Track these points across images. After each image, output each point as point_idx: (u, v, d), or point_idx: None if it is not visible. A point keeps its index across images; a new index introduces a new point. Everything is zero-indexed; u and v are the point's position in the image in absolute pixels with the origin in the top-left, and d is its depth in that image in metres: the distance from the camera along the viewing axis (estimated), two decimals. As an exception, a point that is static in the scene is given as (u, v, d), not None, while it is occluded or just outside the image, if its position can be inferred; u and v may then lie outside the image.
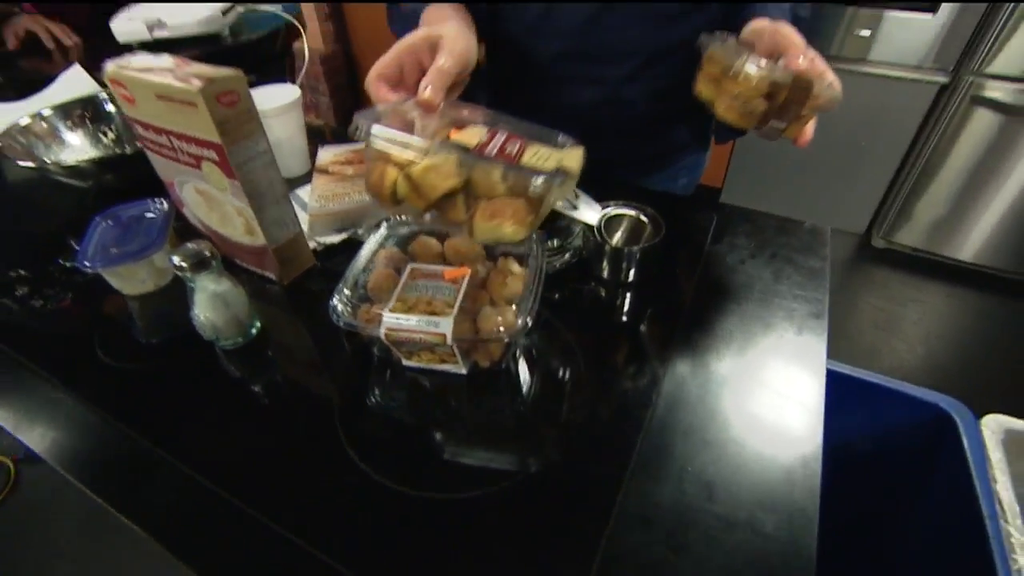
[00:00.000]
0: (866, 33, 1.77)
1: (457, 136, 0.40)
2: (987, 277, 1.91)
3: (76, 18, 1.33)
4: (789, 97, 0.47)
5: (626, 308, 0.54)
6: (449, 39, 0.45)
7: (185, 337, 0.51)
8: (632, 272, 0.54)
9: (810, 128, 0.52)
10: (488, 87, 0.77)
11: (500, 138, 0.40)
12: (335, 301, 0.43)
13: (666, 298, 0.54)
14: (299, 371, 0.51)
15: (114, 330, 0.56)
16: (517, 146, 0.40)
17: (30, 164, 0.71)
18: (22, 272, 0.61)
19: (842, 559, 0.76)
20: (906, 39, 1.74)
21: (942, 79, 1.74)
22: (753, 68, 0.45)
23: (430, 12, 0.56)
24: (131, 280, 0.57)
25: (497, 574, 0.34)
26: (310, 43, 2.71)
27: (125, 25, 1.12)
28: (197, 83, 0.42)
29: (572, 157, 0.41)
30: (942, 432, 0.63)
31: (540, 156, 0.39)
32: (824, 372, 0.46)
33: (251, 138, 0.47)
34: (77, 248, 0.64)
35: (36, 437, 0.47)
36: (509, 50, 0.68)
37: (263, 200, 0.50)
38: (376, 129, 0.38)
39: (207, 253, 0.46)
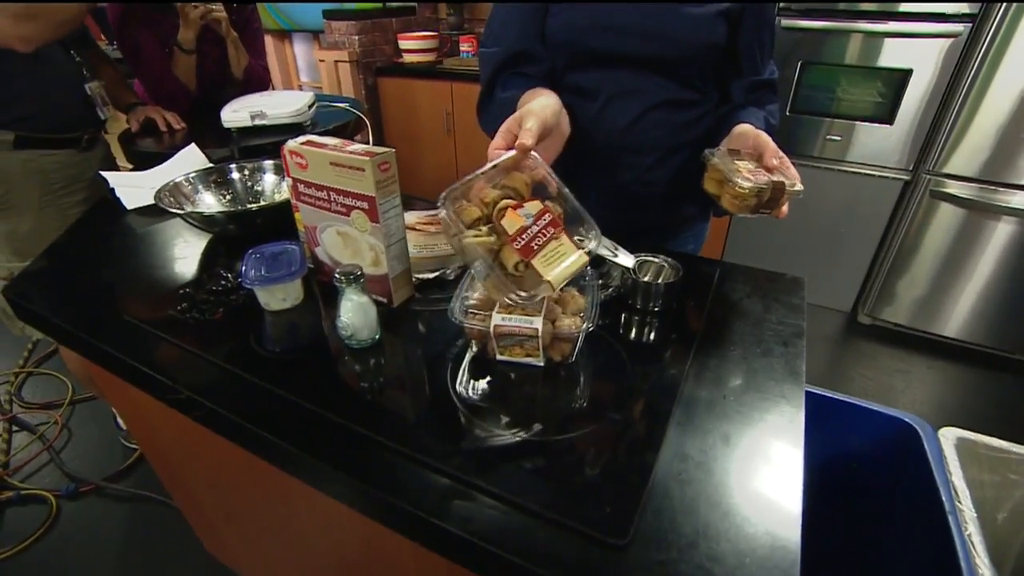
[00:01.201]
0: (838, 138, 2.07)
1: (509, 216, 0.58)
2: (967, 350, 2.09)
3: (181, 108, 1.60)
4: (771, 196, 0.68)
5: (656, 328, 0.71)
6: (534, 110, 0.66)
7: (307, 346, 0.68)
8: (659, 302, 0.72)
9: (785, 208, 0.73)
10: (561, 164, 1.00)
11: (539, 227, 0.58)
12: (454, 306, 0.60)
13: (685, 321, 0.71)
14: (412, 364, 0.67)
15: (255, 335, 0.73)
16: (544, 240, 0.58)
17: (178, 211, 0.91)
18: (187, 290, 0.79)
19: (823, 562, 0.87)
20: (872, 143, 2.03)
21: (904, 177, 2.02)
22: (745, 183, 0.68)
23: (526, 95, 0.78)
24: (275, 297, 0.75)
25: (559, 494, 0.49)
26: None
27: (231, 115, 1.38)
28: (367, 156, 0.63)
29: (576, 263, 0.59)
30: (908, 443, 0.78)
31: (557, 253, 0.58)
32: (803, 371, 0.63)
33: (392, 195, 0.67)
34: (225, 276, 0.83)
35: (203, 389, 0.62)
36: (577, 137, 0.91)
37: (391, 240, 0.69)
38: (445, 202, 0.58)
39: (359, 272, 0.64)
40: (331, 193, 0.69)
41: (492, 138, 0.89)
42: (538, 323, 0.57)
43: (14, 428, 1.87)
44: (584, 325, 0.59)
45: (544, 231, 0.59)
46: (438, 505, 0.48)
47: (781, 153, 0.75)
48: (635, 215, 0.95)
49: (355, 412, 0.59)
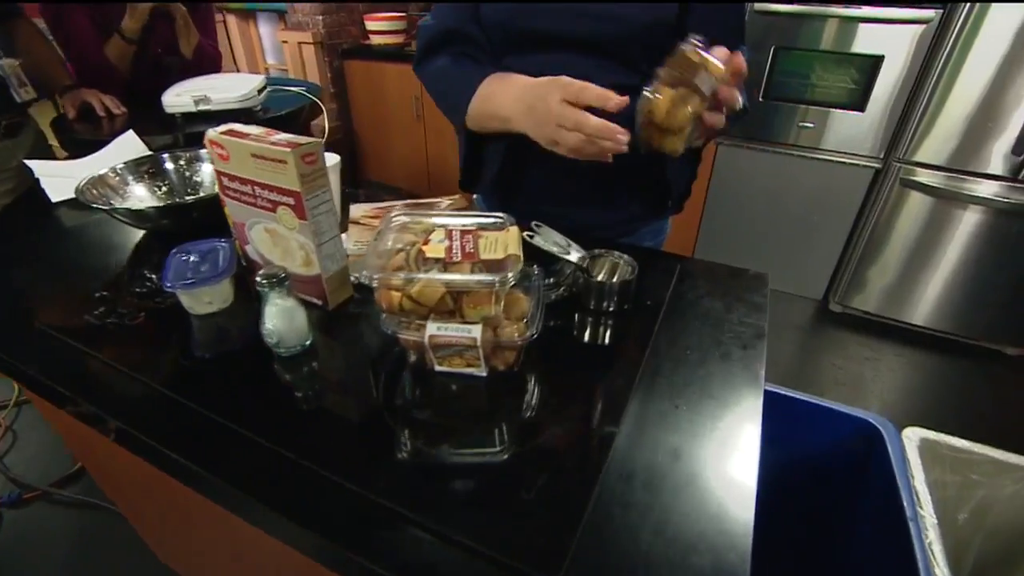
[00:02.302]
0: (811, 125, 2.05)
1: (428, 249, 0.54)
2: (935, 339, 2.10)
3: (119, 92, 1.50)
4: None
5: (608, 330, 0.67)
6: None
7: (238, 352, 0.62)
8: (613, 302, 0.67)
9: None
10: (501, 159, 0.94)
11: (458, 241, 0.56)
12: (386, 315, 0.55)
13: (640, 322, 0.67)
14: (344, 376, 0.62)
15: (183, 341, 0.67)
16: (472, 243, 0.55)
17: (103, 207, 0.83)
18: (104, 293, 0.72)
19: (782, 568, 0.86)
20: (844, 131, 2.02)
21: (876, 165, 2.01)
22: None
23: (491, 82, 0.74)
24: (200, 301, 0.69)
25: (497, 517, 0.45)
26: (316, 118, 2.95)
27: (174, 99, 1.29)
28: (288, 147, 0.57)
29: (512, 238, 0.56)
30: (871, 443, 0.75)
31: (491, 244, 0.55)
32: (763, 374, 0.60)
33: (320, 189, 0.61)
34: (149, 276, 0.77)
35: (118, 410, 0.56)
36: (504, 135, 0.86)
37: (323, 238, 0.64)
38: (377, 276, 0.53)
39: (282, 274, 0.59)
40: (255, 187, 0.63)
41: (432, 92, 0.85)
42: (477, 332, 0.53)
43: (-47, 433, 1.77)
44: (529, 332, 0.55)
45: (465, 239, 0.55)
46: (360, 535, 0.43)
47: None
48: (580, 212, 0.90)
49: (278, 430, 0.53)
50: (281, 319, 0.60)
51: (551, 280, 0.70)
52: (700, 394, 0.57)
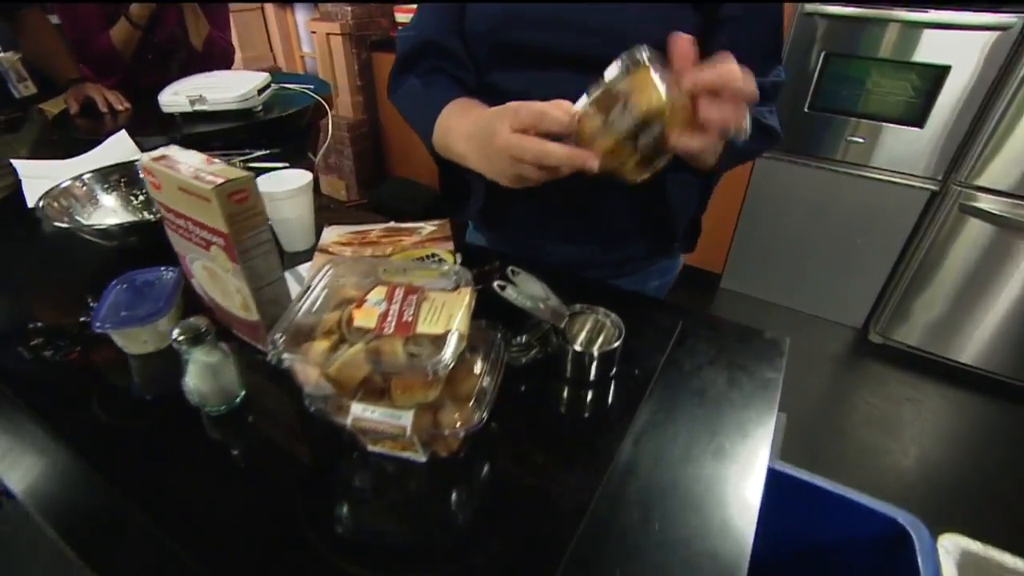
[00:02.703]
0: (861, 140, 1.87)
1: (359, 315, 0.46)
2: (986, 381, 1.91)
3: (121, 80, 1.47)
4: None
5: (584, 406, 0.57)
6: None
7: (177, 396, 0.55)
8: (593, 372, 0.58)
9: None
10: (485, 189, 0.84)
11: (397, 304, 0.47)
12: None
13: (622, 401, 0.57)
14: (273, 442, 0.55)
15: (114, 384, 0.61)
16: (413, 309, 0.46)
17: (65, 224, 0.78)
18: (39, 324, 0.66)
19: None
20: (899, 148, 1.83)
21: (932, 187, 1.82)
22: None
23: (452, 109, 0.65)
24: (135, 341, 0.62)
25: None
26: (341, 111, 2.91)
27: (170, 98, 1.24)
28: (212, 184, 0.49)
29: (461, 305, 0.47)
30: (898, 547, 0.64)
31: (435, 311, 0.46)
32: (762, 481, 0.49)
33: (255, 230, 0.53)
34: (93, 306, 0.71)
35: (17, 476, 0.50)
36: None
37: (260, 282, 0.56)
38: (287, 356, 0.44)
39: (203, 328, 0.51)
40: (188, 222, 0.56)
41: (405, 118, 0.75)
42: (407, 420, 0.44)
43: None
44: (476, 417, 0.46)
45: (407, 301, 0.46)
46: None
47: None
48: (575, 248, 0.80)
49: (181, 510, 0.46)
50: (203, 378, 0.52)
51: (522, 339, 0.60)
52: (680, 506, 0.47)
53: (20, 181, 1.00)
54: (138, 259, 0.78)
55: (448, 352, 0.42)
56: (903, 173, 1.86)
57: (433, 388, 0.44)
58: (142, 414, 0.58)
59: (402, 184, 2.97)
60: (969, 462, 1.64)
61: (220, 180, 0.50)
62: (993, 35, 1.58)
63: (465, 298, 0.47)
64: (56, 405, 0.58)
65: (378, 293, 0.48)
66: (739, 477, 0.49)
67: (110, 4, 1.39)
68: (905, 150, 1.82)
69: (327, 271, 0.52)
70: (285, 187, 0.76)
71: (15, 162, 1.03)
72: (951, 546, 0.62)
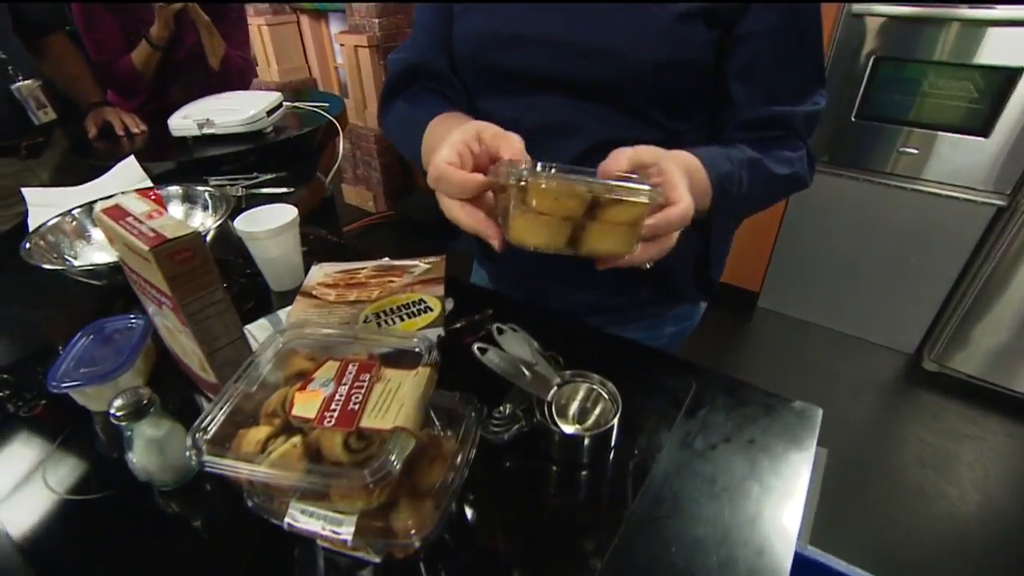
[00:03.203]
0: (914, 151, 1.71)
1: (299, 400, 0.40)
2: (1058, 418, 1.71)
3: (132, 98, 1.49)
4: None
5: (572, 495, 0.50)
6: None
7: (116, 468, 0.51)
8: (583, 455, 0.50)
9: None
10: None
11: (347, 385, 0.40)
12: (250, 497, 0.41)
13: (618, 486, 0.50)
14: (224, 522, 0.49)
15: (73, 444, 0.57)
16: (362, 393, 0.40)
17: (50, 266, 0.76)
18: (5, 376, 0.64)
19: None
20: (958, 159, 1.67)
21: (999, 202, 1.65)
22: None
23: (437, 122, 0.58)
24: (97, 399, 0.58)
25: None
26: (369, 123, 2.90)
27: (180, 122, 1.23)
28: (148, 244, 0.44)
29: (415, 391, 0.40)
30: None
31: (386, 398, 0.39)
32: (780, 611, 0.40)
33: (205, 289, 0.48)
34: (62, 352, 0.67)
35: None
36: None
37: (216, 344, 0.51)
38: (208, 460, 0.37)
39: (145, 400, 0.46)
40: (140, 279, 0.51)
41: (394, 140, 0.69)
42: (348, 529, 0.38)
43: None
44: (433, 522, 0.39)
45: (357, 382, 0.40)
46: None
47: (665, 175, 0.44)
48: (573, 292, 0.72)
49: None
50: (149, 455, 0.48)
51: (505, 410, 0.53)
52: (676, 639, 0.39)
53: (26, 211, 0.99)
54: (132, 297, 0.75)
55: (393, 458, 0.35)
56: (964, 187, 1.69)
57: (377, 495, 0.37)
58: (97, 478, 0.54)
59: (429, 197, 2.93)
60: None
61: (161, 239, 0.45)
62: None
63: (422, 383, 0.40)
64: (8, 467, 0.55)
65: (328, 370, 0.42)
66: (752, 600, 0.41)
67: (131, 27, 1.40)
68: (966, 162, 1.66)
69: (274, 341, 0.46)
70: (269, 225, 0.72)
71: (24, 191, 1.02)
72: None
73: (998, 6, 1.47)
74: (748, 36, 0.54)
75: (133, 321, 0.63)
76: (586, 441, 0.49)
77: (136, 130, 1.37)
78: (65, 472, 0.54)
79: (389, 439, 0.37)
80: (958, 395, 1.82)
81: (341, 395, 0.40)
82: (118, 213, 0.50)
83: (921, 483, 1.54)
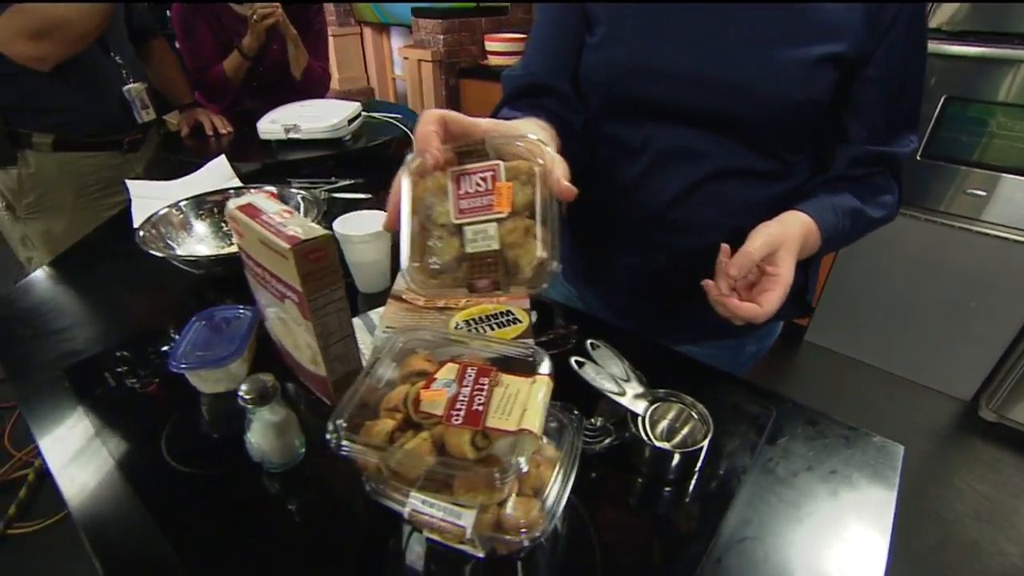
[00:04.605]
0: (981, 193, 1.68)
1: (426, 397, 0.42)
2: None
3: (220, 100, 1.58)
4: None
5: (661, 510, 0.51)
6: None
7: (223, 446, 0.57)
8: (672, 471, 0.52)
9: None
10: (568, 238, 0.81)
11: (468, 387, 0.43)
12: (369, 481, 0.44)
13: (706, 504, 0.51)
14: (328, 505, 0.53)
15: (183, 421, 0.62)
16: (484, 395, 0.42)
17: (159, 253, 0.82)
18: (125, 353, 0.69)
19: None
20: (1026, 204, 1.63)
21: (1071, 251, 1.59)
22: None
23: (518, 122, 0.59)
24: (208, 381, 0.63)
25: None
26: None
27: (268, 126, 1.31)
28: (288, 243, 0.48)
29: (537, 396, 0.42)
30: None
31: (507, 401, 0.41)
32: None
33: (329, 287, 0.52)
34: (173, 337, 0.73)
35: (73, 492, 0.51)
36: (607, 203, 0.72)
37: (330, 340, 0.55)
38: (346, 445, 0.40)
39: (269, 386, 0.50)
40: (266, 272, 0.56)
41: None
42: (468, 520, 0.40)
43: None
44: (544, 524, 0.41)
45: (478, 385, 0.43)
46: None
47: (776, 268, 0.55)
48: (674, 312, 0.74)
49: (227, 568, 0.45)
50: (266, 437, 0.51)
51: (596, 423, 0.55)
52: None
53: (130, 201, 1.07)
54: (224, 287, 0.80)
55: (522, 459, 0.38)
56: (1032, 232, 1.65)
57: (500, 492, 0.40)
58: (205, 456, 0.58)
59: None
60: (1105, 578, 1.39)
61: (298, 239, 0.49)
62: None
63: (541, 390, 0.43)
64: (128, 436, 0.59)
65: (449, 372, 0.45)
66: (845, 628, 0.42)
67: (225, 37, 1.50)
68: (1036, 206, 1.62)
69: (395, 341, 0.50)
70: (364, 230, 0.76)
71: (128, 183, 1.10)
72: None
73: None
74: (868, 79, 0.58)
75: (242, 312, 0.68)
76: (676, 458, 0.50)
77: (224, 131, 1.46)
78: (179, 446, 0.58)
79: (513, 444, 0.39)
80: (1018, 447, 1.75)
81: (464, 396, 0.43)
82: (253, 211, 0.55)
83: (976, 537, 1.48)
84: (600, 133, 0.70)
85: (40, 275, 0.92)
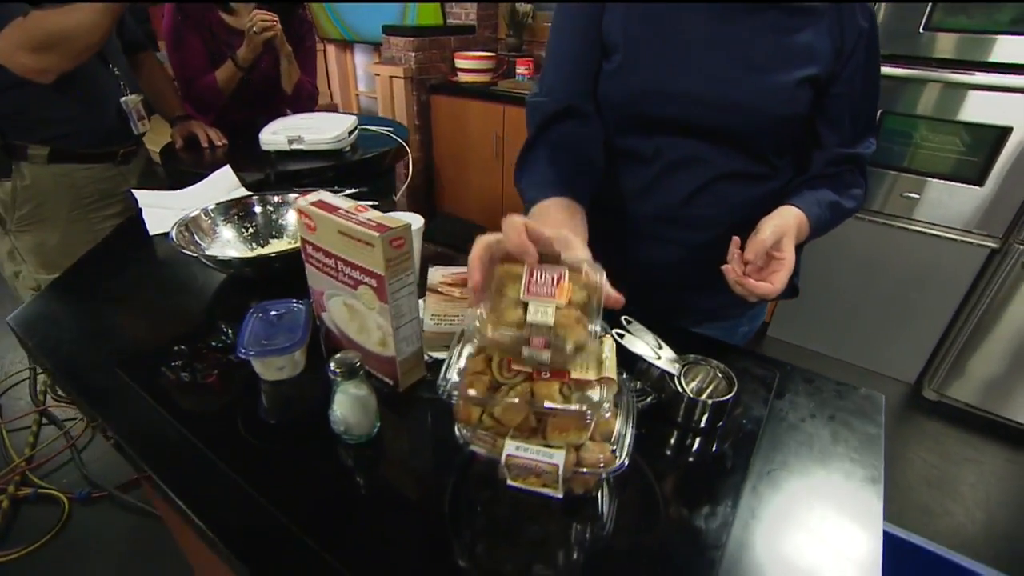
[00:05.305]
0: (915, 196, 1.89)
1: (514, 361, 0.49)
2: (1050, 446, 1.85)
3: (209, 111, 1.60)
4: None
5: (698, 454, 0.60)
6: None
7: (302, 421, 0.62)
8: (704, 420, 0.61)
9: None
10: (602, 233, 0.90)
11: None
12: (461, 428, 0.51)
13: (735, 446, 0.60)
14: (406, 470, 0.59)
15: (247, 407, 0.66)
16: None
17: (191, 254, 0.85)
18: (182, 347, 0.72)
19: None
20: (956, 205, 1.84)
21: (992, 244, 1.82)
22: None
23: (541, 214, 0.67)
24: (271, 368, 0.68)
25: None
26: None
27: (270, 137, 1.34)
28: (378, 231, 0.55)
29: (607, 351, 0.50)
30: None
31: (584, 355, 0.48)
32: (881, 537, 0.51)
33: (404, 272, 0.59)
34: (226, 331, 0.77)
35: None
36: (623, 205, 0.81)
37: (401, 321, 0.61)
38: (456, 395, 0.49)
39: (357, 363, 0.56)
40: (338, 262, 0.62)
41: (524, 197, 0.78)
42: (559, 459, 0.48)
43: (44, 422, 1.89)
44: (618, 462, 0.49)
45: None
46: None
47: (782, 252, 0.66)
48: (680, 297, 0.84)
49: (329, 525, 0.50)
50: (351, 409, 0.57)
51: (636, 385, 0.64)
52: (806, 551, 0.49)
53: (141, 210, 1.09)
54: (251, 288, 0.85)
55: (607, 399, 0.46)
56: (960, 230, 1.86)
57: (587, 430, 0.48)
58: (273, 439, 0.62)
59: (451, 221, 3.07)
60: (1036, 530, 1.58)
61: (386, 227, 0.55)
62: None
63: (607, 345, 0.51)
64: (202, 422, 0.63)
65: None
66: (857, 526, 0.51)
67: (216, 48, 1.52)
68: (963, 208, 1.83)
69: (475, 317, 0.56)
70: (399, 229, 0.82)
71: (136, 192, 1.12)
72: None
73: (977, 72, 1.67)
74: (836, 95, 0.70)
75: (296, 305, 0.73)
76: (710, 407, 0.59)
77: (219, 143, 1.48)
78: (253, 424, 0.63)
79: (590, 391, 0.47)
80: (957, 422, 1.96)
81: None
82: (327, 206, 0.61)
83: (928, 502, 1.65)
84: (615, 145, 0.79)
85: (58, 285, 0.92)
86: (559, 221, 0.65)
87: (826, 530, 0.51)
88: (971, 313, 1.90)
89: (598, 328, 0.46)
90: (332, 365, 0.55)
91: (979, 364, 1.92)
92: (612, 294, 0.49)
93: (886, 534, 0.65)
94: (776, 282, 0.64)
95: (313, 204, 0.62)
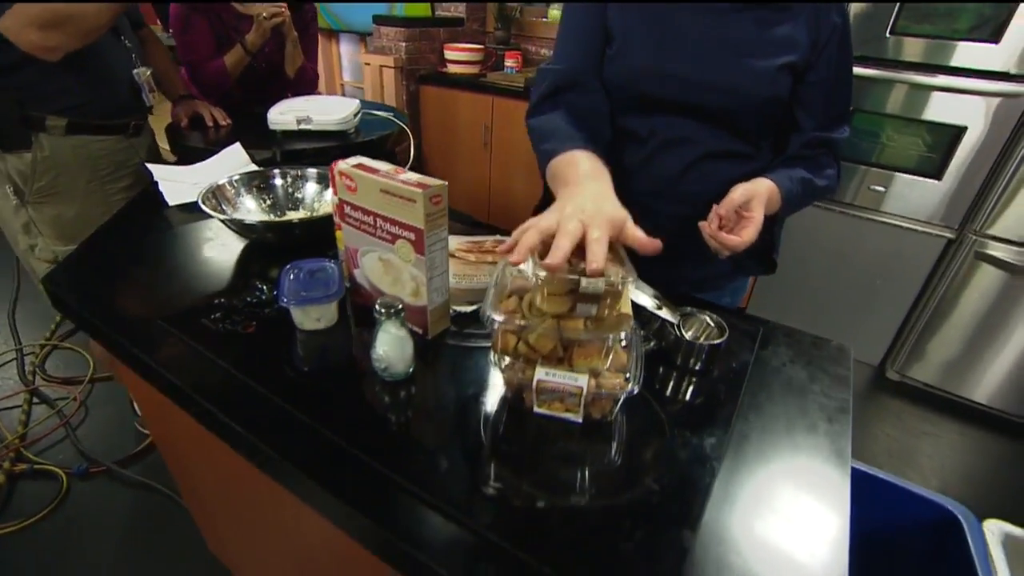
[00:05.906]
0: (880, 189, 2.02)
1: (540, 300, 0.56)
2: (1000, 420, 2.01)
3: (215, 95, 1.63)
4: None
5: (696, 390, 0.69)
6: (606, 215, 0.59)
7: (336, 368, 0.68)
8: (701, 362, 0.69)
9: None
10: None
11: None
12: (495, 357, 0.59)
13: (727, 385, 0.69)
14: (441, 404, 0.66)
15: (286, 355, 0.72)
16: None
17: (218, 216, 0.90)
18: (222, 300, 0.78)
19: None
20: (916, 198, 1.98)
21: (948, 235, 1.96)
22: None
23: (565, 158, 0.74)
24: (309, 318, 0.74)
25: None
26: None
27: (278, 116, 1.39)
28: (421, 188, 0.62)
29: (626, 297, 0.58)
30: (948, 531, 0.74)
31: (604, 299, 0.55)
32: (849, 451, 0.60)
33: (439, 228, 0.66)
34: (259, 287, 0.83)
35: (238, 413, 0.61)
36: (619, 181, 0.89)
37: (434, 272, 0.68)
38: (497, 320, 0.56)
39: (399, 305, 0.63)
40: (378, 219, 0.68)
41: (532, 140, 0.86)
42: (583, 382, 0.55)
43: (35, 400, 1.90)
44: (630, 387, 0.57)
45: None
46: (448, 558, 0.46)
47: (751, 212, 0.74)
48: (671, 267, 0.93)
49: (377, 447, 0.57)
50: (392, 347, 0.64)
51: (642, 333, 0.72)
52: (789, 466, 0.58)
53: (156, 182, 1.13)
54: (271, 252, 0.90)
55: (625, 330, 0.54)
56: (921, 221, 2.00)
57: (606, 357, 0.56)
58: (316, 377, 0.68)
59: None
60: (989, 498, 1.73)
61: (427, 185, 0.62)
62: (1010, 101, 1.74)
63: (627, 291, 0.59)
64: (246, 363, 0.69)
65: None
66: (830, 448, 0.61)
67: (223, 32, 1.56)
68: (923, 200, 1.97)
69: (503, 268, 0.63)
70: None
71: (151, 166, 1.16)
72: (995, 529, 0.72)
73: (939, 75, 1.80)
74: (812, 82, 0.79)
75: (329, 264, 0.79)
76: (706, 349, 0.68)
77: (223, 123, 1.52)
78: (292, 368, 0.69)
79: (615, 323, 0.55)
80: (917, 400, 2.11)
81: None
82: (368, 169, 0.68)
83: (889, 471, 1.78)
84: (616, 125, 0.87)
85: (83, 251, 0.96)
86: (590, 169, 0.71)
87: (805, 446, 0.60)
88: (930, 299, 2.05)
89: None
90: (377, 305, 0.62)
91: (937, 346, 2.07)
92: (645, 239, 0.58)
93: (854, 470, 0.75)
94: (744, 236, 0.73)
95: (355, 167, 0.68)
